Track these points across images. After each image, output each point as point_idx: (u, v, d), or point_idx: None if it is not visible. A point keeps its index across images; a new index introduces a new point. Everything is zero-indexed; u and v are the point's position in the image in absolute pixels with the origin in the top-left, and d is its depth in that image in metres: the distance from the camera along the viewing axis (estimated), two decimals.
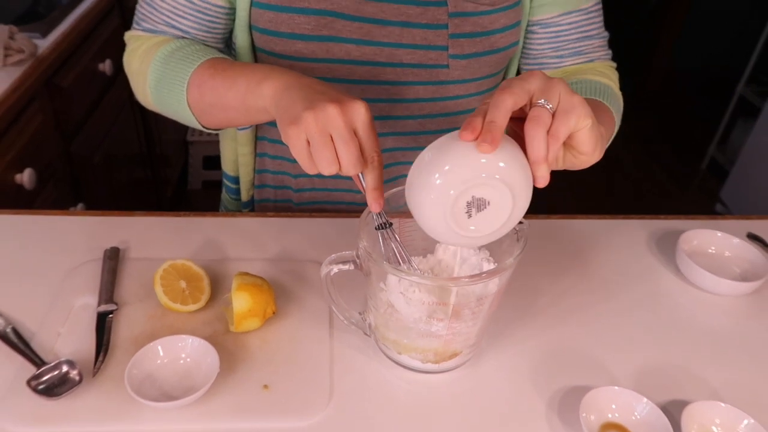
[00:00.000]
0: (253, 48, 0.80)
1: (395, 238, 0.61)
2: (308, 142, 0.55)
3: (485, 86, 0.84)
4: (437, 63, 0.78)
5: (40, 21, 1.40)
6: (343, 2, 0.73)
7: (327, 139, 0.54)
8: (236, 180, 0.92)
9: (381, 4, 0.74)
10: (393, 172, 0.89)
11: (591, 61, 0.85)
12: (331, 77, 0.78)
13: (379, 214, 0.60)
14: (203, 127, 0.74)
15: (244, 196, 0.92)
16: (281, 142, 0.86)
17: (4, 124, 1.14)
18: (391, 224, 0.61)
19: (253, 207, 0.94)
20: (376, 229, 0.61)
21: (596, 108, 0.65)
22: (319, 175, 0.86)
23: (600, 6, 0.84)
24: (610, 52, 0.87)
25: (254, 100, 0.63)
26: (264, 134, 0.88)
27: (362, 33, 0.75)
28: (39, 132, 1.27)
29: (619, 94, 0.81)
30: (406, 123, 0.84)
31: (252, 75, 0.64)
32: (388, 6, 0.75)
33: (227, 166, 0.92)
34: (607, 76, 0.82)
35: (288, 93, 0.59)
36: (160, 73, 0.72)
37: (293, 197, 0.92)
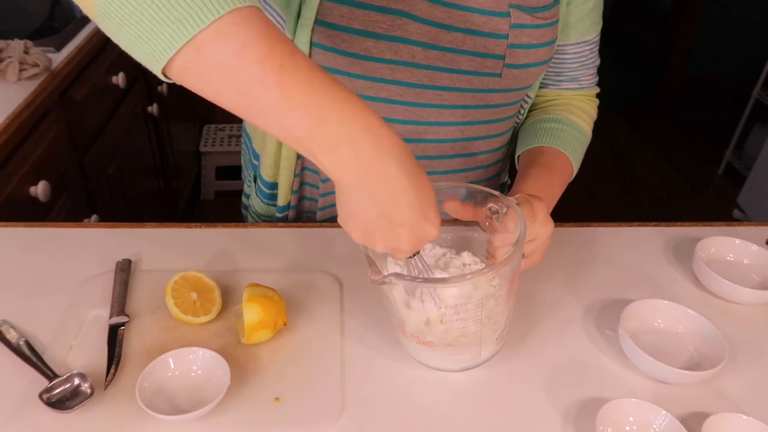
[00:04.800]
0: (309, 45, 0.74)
1: (422, 259, 0.62)
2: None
3: (521, 96, 0.88)
4: (492, 71, 0.80)
5: (55, 35, 1.42)
6: (417, 5, 0.75)
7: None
8: (273, 185, 0.91)
9: (449, 9, 0.76)
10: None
11: (582, 88, 0.94)
12: (390, 79, 0.78)
13: None
14: (158, 66, 0.46)
15: (281, 200, 0.91)
16: None
17: (19, 137, 1.15)
18: (417, 252, 0.61)
19: (288, 214, 0.93)
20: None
21: (556, 164, 0.83)
22: None
23: (599, 37, 0.91)
24: (597, 77, 0.96)
25: (290, 125, 0.47)
26: None
27: (429, 37, 0.76)
28: (53, 145, 1.28)
29: (587, 134, 0.91)
30: (448, 129, 0.85)
31: (324, 96, 0.47)
32: (456, 12, 0.76)
33: (266, 171, 0.89)
34: (587, 112, 0.92)
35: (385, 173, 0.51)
36: None
37: (319, 201, 0.91)
